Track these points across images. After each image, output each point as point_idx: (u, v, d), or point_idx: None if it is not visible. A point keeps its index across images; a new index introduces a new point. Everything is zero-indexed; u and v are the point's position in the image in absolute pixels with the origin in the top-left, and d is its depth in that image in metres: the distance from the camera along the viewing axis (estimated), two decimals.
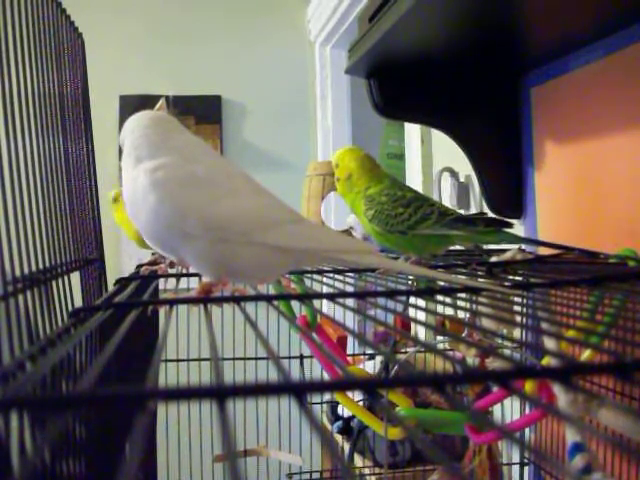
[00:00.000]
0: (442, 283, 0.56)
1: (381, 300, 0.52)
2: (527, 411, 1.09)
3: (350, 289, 0.62)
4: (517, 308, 0.55)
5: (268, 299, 0.48)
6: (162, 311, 0.48)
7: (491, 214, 1.16)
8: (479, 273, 0.67)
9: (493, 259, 0.76)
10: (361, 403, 1.09)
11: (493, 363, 0.91)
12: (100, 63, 2.01)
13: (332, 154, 0.87)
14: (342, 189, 0.84)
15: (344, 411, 1.56)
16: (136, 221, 0.52)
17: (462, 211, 1.35)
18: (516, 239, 0.77)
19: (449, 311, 0.98)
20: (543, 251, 0.87)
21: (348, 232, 1.15)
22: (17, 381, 0.29)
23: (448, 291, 0.51)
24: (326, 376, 1.05)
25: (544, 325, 0.55)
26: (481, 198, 1.27)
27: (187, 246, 0.50)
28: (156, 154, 0.52)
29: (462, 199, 1.37)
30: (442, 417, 0.92)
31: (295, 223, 0.52)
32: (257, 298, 0.48)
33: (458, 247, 0.90)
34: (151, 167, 0.51)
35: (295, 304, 1.03)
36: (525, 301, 0.56)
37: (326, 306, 1.97)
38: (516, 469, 1.18)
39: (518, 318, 0.64)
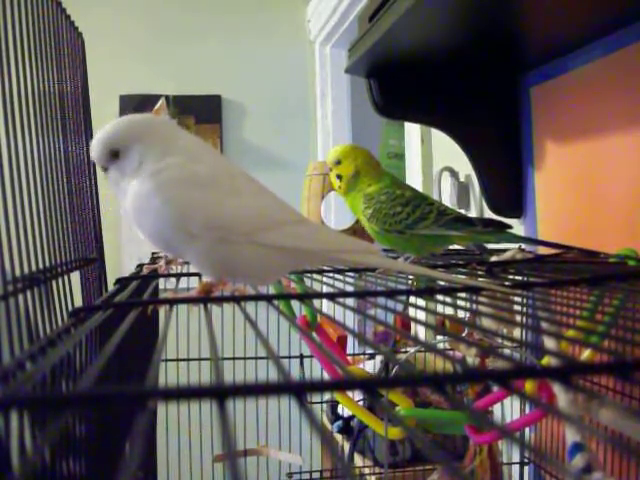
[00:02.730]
0: (442, 282, 0.56)
1: (381, 300, 0.52)
2: (527, 411, 1.09)
3: (350, 289, 0.62)
4: (517, 308, 0.55)
5: (268, 299, 0.48)
6: (162, 311, 0.48)
7: (491, 214, 1.16)
8: (479, 273, 0.67)
9: (493, 258, 0.76)
10: (361, 403, 1.09)
11: (493, 363, 0.91)
12: (100, 62, 2.01)
13: (331, 150, 0.85)
14: (345, 187, 0.82)
15: (344, 411, 1.56)
16: (139, 225, 0.52)
17: (462, 211, 1.35)
18: (515, 238, 0.77)
19: (449, 311, 0.98)
20: (543, 251, 0.87)
21: (350, 231, 1.15)
22: (17, 381, 0.29)
23: (448, 291, 0.51)
24: (326, 376, 1.05)
25: (544, 325, 0.55)
26: (481, 198, 1.27)
27: (189, 246, 0.50)
28: (159, 157, 0.52)
29: (462, 199, 1.37)
30: (442, 417, 0.92)
31: (297, 224, 0.52)
32: (257, 298, 0.48)
33: (457, 246, 0.90)
34: (154, 170, 0.51)
35: (295, 304, 1.03)
36: (525, 301, 0.56)
37: (326, 306, 1.97)
38: (516, 469, 1.18)
39: (518, 318, 0.64)
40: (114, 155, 0.52)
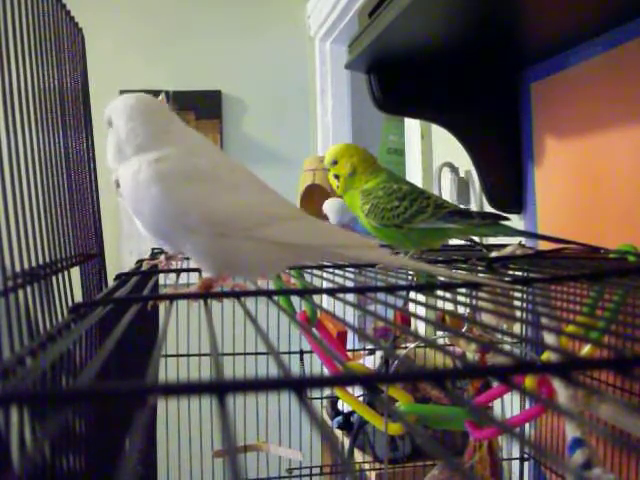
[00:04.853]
0: (442, 278, 0.56)
1: (381, 295, 0.52)
2: (527, 406, 1.10)
3: (350, 284, 0.62)
4: (517, 303, 0.55)
5: (268, 294, 0.48)
6: (162, 306, 0.48)
7: (491, 209, 1.16)
8: (479, 268, 0.67)
9: (493, 254, 0.76)
10: (361, 398, 1.09)
11: (493, 358, 0.91)
12: (100, 58, 2.01)
13: (328, 151, 0.85)
14: (343, 186, 0.82)
15: (344, 406, 1.56)
16: (137, 213, 0.52)
17: (462, 206, 1.35)
18: (513, 232, 0.77)
19: (449, 306, 0.98)
20: (543, 246, 0.87)
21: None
22: (17, 376, 0.29)
23: (448, 286, 0.51)
24: (326, 371, 1.05)
25: (544, 320, 0.55)
26: (481, 193, 1.27)
27: (188, 240, 0.50)
28: (158, 145, 0.52)
29: (462, 194, 1.37)
30: (442, 412, 0.92)
31: (296, 219, 0.52)
32: (257, 293, 0.48)
33: (457, 242, 0.90)
34: (154, 158, 0.50)
35: (295, 299, 1.03)
36: (525, 296, 0.56)
37: (326, 301, 1.97)
38: (516, 464, 1.18)
39: (518, 313, 0.64)
40: (110, 123, 0.55)
